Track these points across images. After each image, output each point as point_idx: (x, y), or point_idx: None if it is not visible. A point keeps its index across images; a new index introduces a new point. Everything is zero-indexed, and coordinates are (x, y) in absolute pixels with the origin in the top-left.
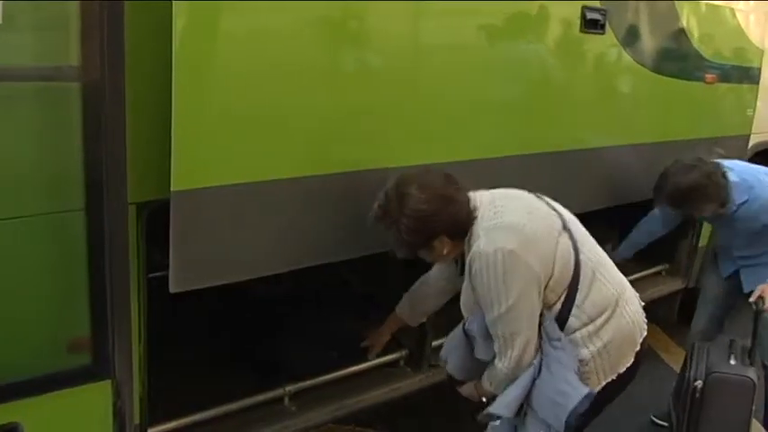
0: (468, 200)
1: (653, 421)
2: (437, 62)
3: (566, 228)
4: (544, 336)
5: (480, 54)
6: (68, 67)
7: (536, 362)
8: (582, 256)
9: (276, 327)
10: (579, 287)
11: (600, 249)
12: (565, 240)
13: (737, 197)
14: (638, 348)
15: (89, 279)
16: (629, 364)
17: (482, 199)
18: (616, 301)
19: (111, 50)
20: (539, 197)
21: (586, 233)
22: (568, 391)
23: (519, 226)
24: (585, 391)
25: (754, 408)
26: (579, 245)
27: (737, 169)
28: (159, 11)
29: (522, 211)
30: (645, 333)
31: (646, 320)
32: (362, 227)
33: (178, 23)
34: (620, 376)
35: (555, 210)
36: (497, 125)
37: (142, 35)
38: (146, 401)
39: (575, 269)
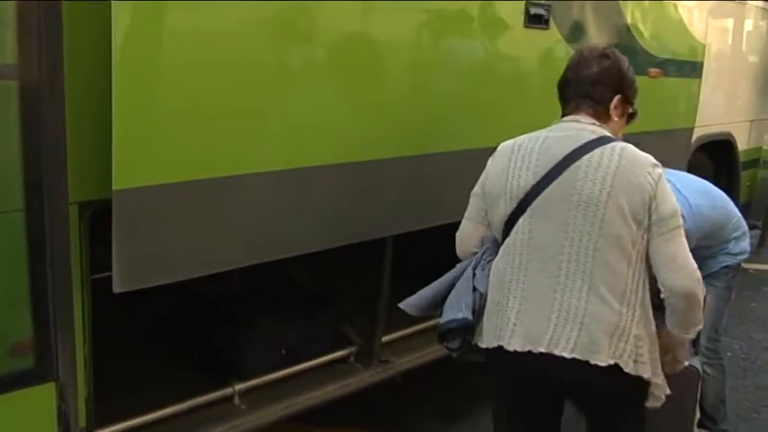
0: (569, 96)
1: None
2: (380, 58)
3: (523, 201)
4: (488, 251)
5: (424, 50)
6: (5, 66)
7: (467, 267)
8: (515, 234)
9: (224, 325)
10: (499, 252)
11: (566, 260)
12: (508, 204)
13: None
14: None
15: (30, 281)
16: (492, 346)
17: (570, 119)
18: (500, 292)
19: (49, 49)
20: (582, 171)
21: (555, 238)
22: (459, 307)
23: (512, 152)
24: (465, 317)
25: (699, 395)
26: (523, 222)
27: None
28: (98, 11)
29: (537, 152)
30: (511, 346)
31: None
32: (310, 224)
33: (117, 23)
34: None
35: (538, 191)
36: (441, 121)
37: (81, 34)
38: (91, 403)
39: (504, 232)
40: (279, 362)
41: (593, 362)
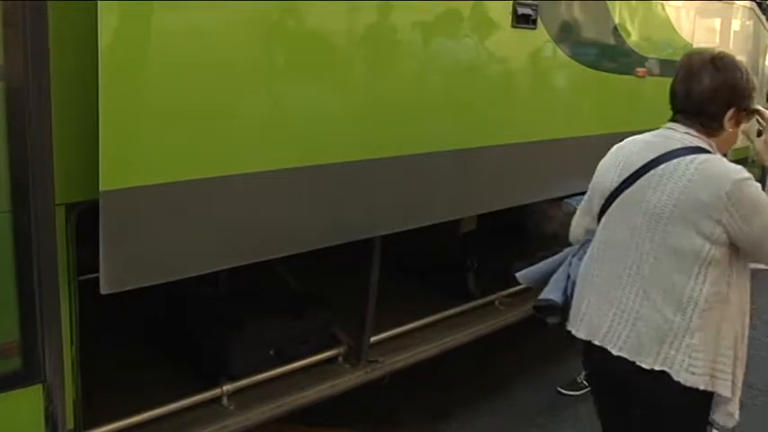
0: (677, 109)
1: (560, 392)
2: (367, 58)
3: (607, 201)
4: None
5: (411, 50)
6: None
7: (569, 252)
8: (599, 230)
9: (212, 326)
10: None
11: (636, 258)
12: (599, 201)
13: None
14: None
15: (17, 282)
16: (569, 329)
17: (668, 126)
18: (582, 281)
19: (34, 49)
20: (675, 169)
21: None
22: (552, 289)
23: (616, 151)
24: (554, 299)
25: None
26: (605, 220)
27: None
28: (84, 11)
29: (626, 155)
30: (579, 334)
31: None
32: (297, 224)
33: (103, 23)
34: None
35: (625, 182)
36: (428, 121)
37: (67, 34)
38: (79, 405)
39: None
40: (267, 362)
41: (638, 363)
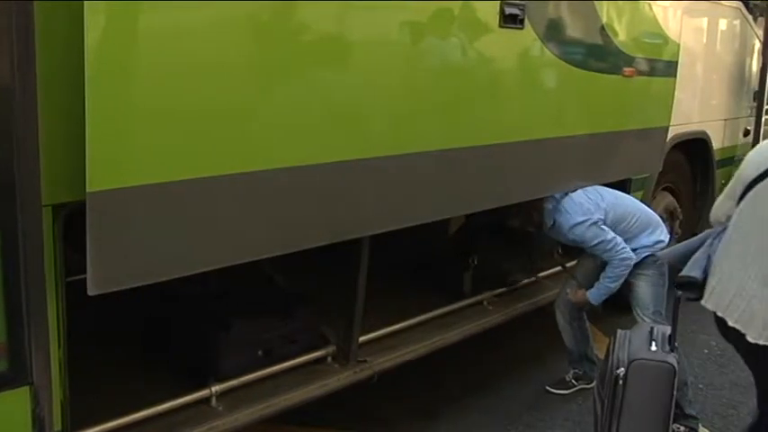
0: None
1: (548, 391)
2: (355, 58)
3: (745, 190)
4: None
5: (399, 50)
6: None
7: (710, 233)
8: (735, 215)
9: (201, 326)
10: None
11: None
12: (740, 189)
13: (547, 221)
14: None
15: (3, 284)
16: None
17: None
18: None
19: (21, 49)
20: None
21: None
22: (693, 267)
23: (759, 146)
24: (693, 276)
25: (676, 392)
26: (740, 208)
27: (573, 197)
28: (71, 11)
29: (764, 151)
30: (708, 305)
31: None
32: (287, 224)
33: (90, 23)
34: None
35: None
36: (417, 121)
37: (54, 34)
38: (67, 406)
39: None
40: (256, 363)
41: (746, 336)
